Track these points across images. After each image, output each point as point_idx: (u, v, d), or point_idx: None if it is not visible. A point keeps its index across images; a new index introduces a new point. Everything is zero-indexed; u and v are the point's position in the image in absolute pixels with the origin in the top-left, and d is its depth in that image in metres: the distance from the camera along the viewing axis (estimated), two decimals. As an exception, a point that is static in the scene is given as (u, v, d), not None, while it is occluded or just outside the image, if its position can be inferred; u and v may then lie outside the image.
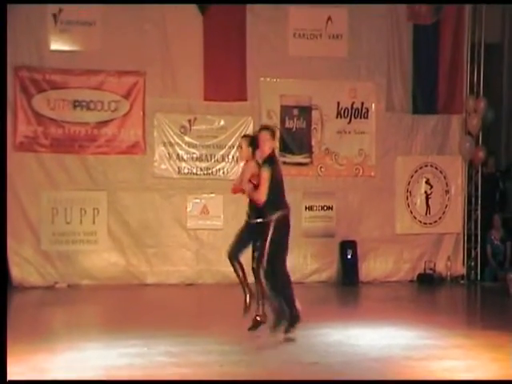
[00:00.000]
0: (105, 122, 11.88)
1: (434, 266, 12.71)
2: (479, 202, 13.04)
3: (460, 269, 12.96)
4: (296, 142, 12.46)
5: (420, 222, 12.90)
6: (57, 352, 7.06)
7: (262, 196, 7.52)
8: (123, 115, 11.93)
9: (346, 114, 12.63)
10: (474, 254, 13.04)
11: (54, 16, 11.64)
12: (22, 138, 11.64)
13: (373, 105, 12.69)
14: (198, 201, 12.10)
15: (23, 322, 8.70)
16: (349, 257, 12.42)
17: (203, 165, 12.21)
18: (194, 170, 12.18)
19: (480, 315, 10.44)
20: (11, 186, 11.45)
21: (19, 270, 11.58)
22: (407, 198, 12.90)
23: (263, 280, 7.58)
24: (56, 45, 11.72)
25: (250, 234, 7.84)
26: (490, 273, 12.73)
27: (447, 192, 13.01)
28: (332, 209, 12.55)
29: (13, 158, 11.46)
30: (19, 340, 7.37)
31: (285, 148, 12.25)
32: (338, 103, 12.58)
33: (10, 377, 5.97)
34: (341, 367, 6.58)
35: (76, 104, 11.79)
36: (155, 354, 6.96)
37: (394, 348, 7.32)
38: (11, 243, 11.46)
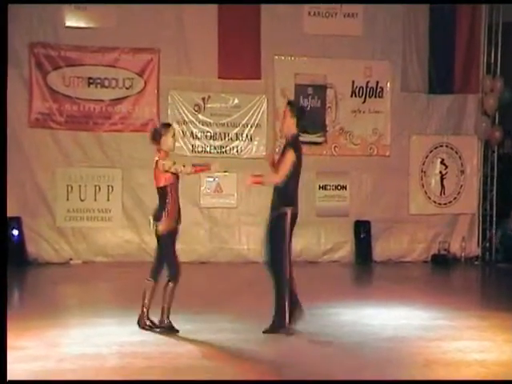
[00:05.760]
0: (119, 100, 11.88)
1: (449, 246, 12.70)
2: (495, 182, 12.98)
3: (475, 250, 12.93)
4: (310, 120, 12.37)
5: (434, 202, 12.85)
6: (71, 327, 7.10)
7: (278, 178, 6.84)
8: (137, 93, 11.92)
9: (360, 93, 12.55)
10: (489, 234, 12.99)
11: (70, -8, 11.62)
12: (37, 114, 11.65)
13: (388, 84, 12.61)
14: (211, 179, 12.07)
15: (38, 298, 8.78)
16: (362, 236, 12.42)
17: (217, 143, 12.20)
18: (208, 149, 12.16)
19: (494, 296, 10.39)
20: (26, 163, 11.54)
21: (34, 247, 11.65)
22: (422, 178, 12.84)
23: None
24: (71, 21, 11.71)
25: None
26: (505, 253, 12.69)
27: (462, 172, 12.95)
28: (346, 188, 12.51)
29: (28, 135, 11.54)
30: (34, 315, 7.45)
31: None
32: (353, 82, 12.51)
33: (23, 352, 6.04)
34: (355, 347, 6.57)
35: (91, 81, 11.79)
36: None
37: (407, 328, 7.31)
38: (26, 219, 11.55)
